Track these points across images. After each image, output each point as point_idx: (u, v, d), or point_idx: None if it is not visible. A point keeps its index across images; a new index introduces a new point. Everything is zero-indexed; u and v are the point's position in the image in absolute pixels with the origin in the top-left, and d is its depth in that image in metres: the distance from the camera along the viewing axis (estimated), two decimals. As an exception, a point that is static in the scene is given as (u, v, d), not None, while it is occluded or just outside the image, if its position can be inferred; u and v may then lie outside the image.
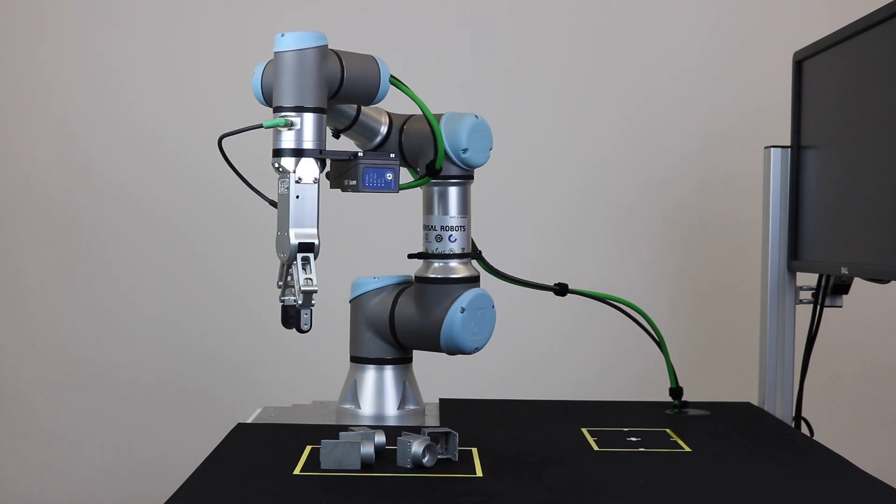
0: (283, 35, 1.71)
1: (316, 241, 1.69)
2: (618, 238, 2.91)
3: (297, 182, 1.70)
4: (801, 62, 2.20)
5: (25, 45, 2.89)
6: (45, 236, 2.90)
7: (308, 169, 1.70)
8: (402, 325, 1.98)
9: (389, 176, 1.77)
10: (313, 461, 1.63)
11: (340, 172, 1.80)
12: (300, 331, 1.69)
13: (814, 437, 2.08)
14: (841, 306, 2.20)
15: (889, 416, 2.92)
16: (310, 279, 1.68)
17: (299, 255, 1.68)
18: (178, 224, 2.89)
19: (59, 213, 2.89)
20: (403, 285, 2.02)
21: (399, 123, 1.97)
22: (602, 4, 2.91)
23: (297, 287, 1.68)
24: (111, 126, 2.89)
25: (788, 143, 2.22)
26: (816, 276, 2.19)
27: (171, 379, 2.89)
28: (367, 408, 2.00)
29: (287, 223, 1.69)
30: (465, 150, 1.93)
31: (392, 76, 1.86)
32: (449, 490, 1.51)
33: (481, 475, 1.58)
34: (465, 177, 1.96)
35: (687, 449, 1.78)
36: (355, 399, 2.01)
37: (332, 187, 1.82)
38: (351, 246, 2.73)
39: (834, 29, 2.05)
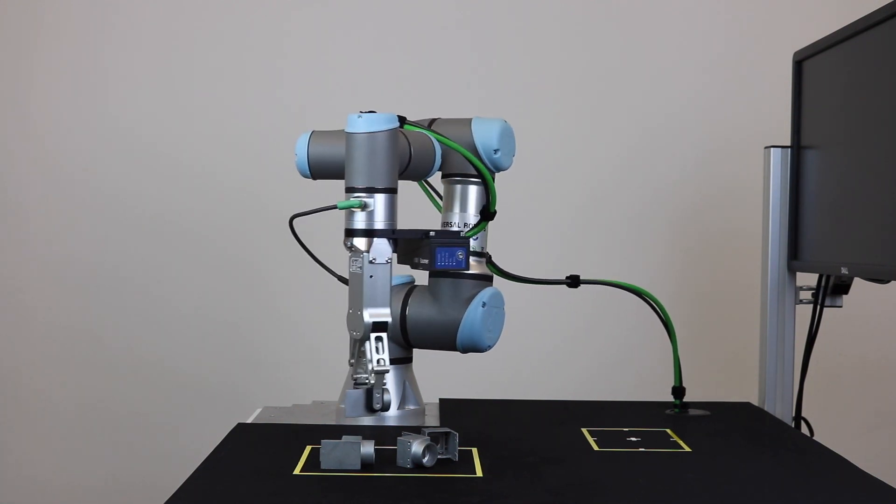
0: (358, 116, 1.72)
1: (389, 320, 1.71)
2: (622, 241, 2.90)
3: (370, 262, 1.71)
4: (801, 62, 2.20)
5: (25, 46, 2.89)
6: (42, 234, 2.89)
7: (381, 249, 1.71)
8: (415, 323, 1.99)
9: (461, 255, 1.78)
10: (313, 461, 1.63)
11: (410, 249, 1.80)
12: (372, 411, 1.69)
13: (814, 437, 2.08)
14: (841, 306, 2.20)
15: (889, 416, 2.92)
16: (382, 359, 1.68)
17: (372, 335, 1.69)
18: (177, 225, 2.89)
19: (56, 211, 2.90)
20: (409, 285, 2.03)
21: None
22: (607, 11, 2.90)
23: (370, 367, 1.68)
24: (111, 126, 2.89)
25: (788, 143, 2.22)
26: (816, 276, 2.19)
27: (171, 379, 2.88)
28: (367, 408, 2.00)
29: (360, 303, 1.70)
30: (496, 151, 1.97)
31: (432, 130, 1.87)
32: (449, 490, 1.51)
33: (481, 475, 1.58)
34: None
35: (687, 449, 1.77)
36: (355, 399, 2.01)
37: (400, 262, 1.81)
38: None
39: (834, 29, 2.05)
